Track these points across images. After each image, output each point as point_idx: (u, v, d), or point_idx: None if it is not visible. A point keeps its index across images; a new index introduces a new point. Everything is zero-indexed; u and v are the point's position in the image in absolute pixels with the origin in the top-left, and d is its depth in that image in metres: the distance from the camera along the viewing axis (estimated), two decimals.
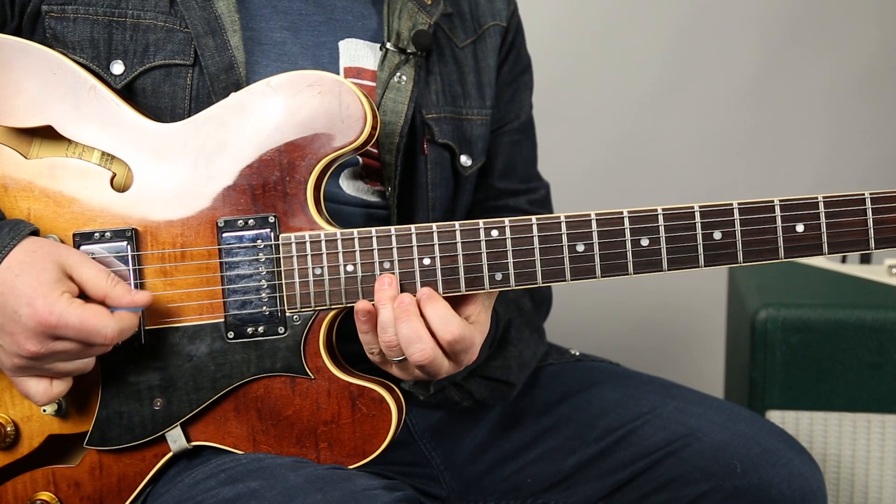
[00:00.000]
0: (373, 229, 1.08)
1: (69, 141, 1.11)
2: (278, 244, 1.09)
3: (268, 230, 1.09)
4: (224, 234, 1.09)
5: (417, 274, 1.08)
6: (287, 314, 1.10)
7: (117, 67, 1.15)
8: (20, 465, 1.12)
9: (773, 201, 1.07)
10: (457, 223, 1.08)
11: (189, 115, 1.13)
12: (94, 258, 1.07)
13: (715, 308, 2.45)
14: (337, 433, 1.10)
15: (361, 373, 1.13)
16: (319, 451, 1.11)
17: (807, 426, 1.66)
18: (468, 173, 1.34)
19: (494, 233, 1.08)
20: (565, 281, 1.08)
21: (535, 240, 1.07)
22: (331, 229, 1.10)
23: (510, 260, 1.08)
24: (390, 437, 1.10)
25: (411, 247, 1.08)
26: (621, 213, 1.07)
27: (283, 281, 1.09)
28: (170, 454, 1.12)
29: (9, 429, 1.11)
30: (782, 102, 2.66)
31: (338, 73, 1.23)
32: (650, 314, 2.71)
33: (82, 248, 1.08)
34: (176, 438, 1.11)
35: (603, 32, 2.61)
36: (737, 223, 1.06)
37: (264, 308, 1.10)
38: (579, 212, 1.07)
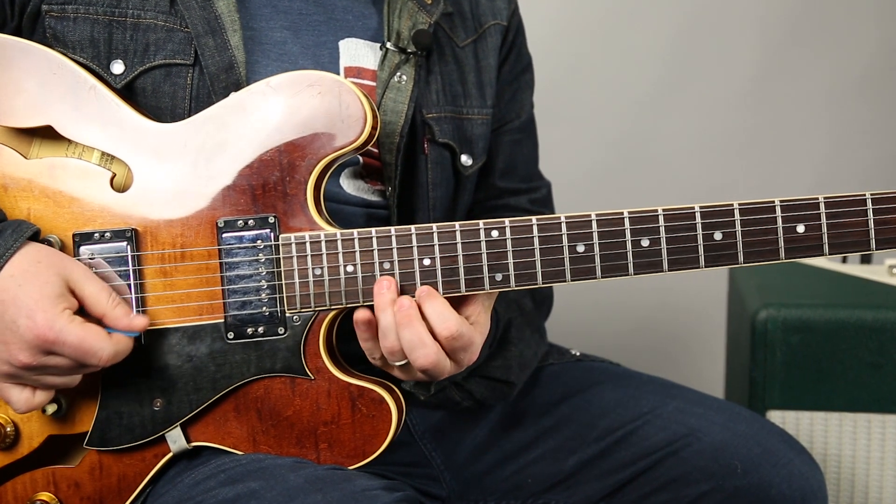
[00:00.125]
0: (373, 230, 1.08)
1: (69, 141, 1.11)
2: (278, 244, 1.09)
3: (268, 230, 1.09)
4: (224, 235, 1.09)
5: (417, 274, 1.08)
6: (287, 314, 1.10)
7: (117, 67, 1.15)
8: (20, 466, 1.12)
9: (773, 202, 1.06)
10: (457, 223, 1.08)
11: (189, 115, 1.13)
12: (94, 261, 1.07)
13: (715, 308, 2.45)
14: (337, 433, 1.10)
15: (361, 373, 1.13)
16: (319, 451, 1.10)
17: (807, 426, 1.66)
18: (469, 173, 1.34)
19: (495, 233, 1.07)
20: (565, 281, 1.08)
21: (536, 240, 1.07)
22: (331, 229, 1.09)
23: (510, 260, 1.08)
24: (390, 438, 1.10)
25: (411, 247, 1.08)
26: (622, 213, 1.07)
27: (283, 281, 1.09)
28: (170, 455, 1.12)
29: (9, 429, 1.11)
30: (783, 102, 2.66)
31: (338, 73, 1.23)
32: (650, 314, 2.71)
33: (82, 248, 1.08)
34: (176, 439, 1.11)
35: (603, 32, 2.61)
36: (737, 224, 1.06)
37: (264, 308, 1.09)
38: (580, 212, 1.07)
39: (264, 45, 1.20)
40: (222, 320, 1.10)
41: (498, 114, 1.40)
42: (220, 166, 1.09)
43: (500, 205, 1.42)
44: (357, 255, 1.08)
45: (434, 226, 1.08)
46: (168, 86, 1.15)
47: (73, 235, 1.09)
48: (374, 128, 1.10)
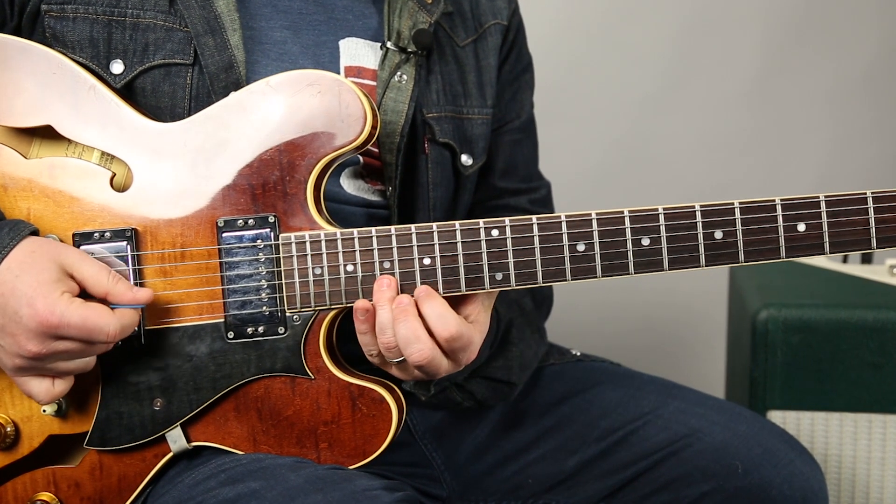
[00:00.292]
0: (373, 229, 1.08)
1: (69, 141, 1.11)
2: (278, 244, 1.09)
3: (268, 230, 1.09)
4: (224, 234, 1.09)
5: (417, 274, 1.08)
6: (287, 314, 1.09)
7: (117, 67, 1.15)
8: (20, 466, 1.12)
9: (774, 201, 1.06)
10: (457, 223, 1.08)
11: (189, 115, 1.13)
12: (93, 257, 1.07)
13: (716, 308, 2.45)
14: (337, 433, 1.10)
15: (361, 373, 1.12)
16: (320, 451, 1.10)
17: (808, 426, 1.66)
18: (469, 173, 1.33)
19: (495, 232, 1.07)
20: (566, 281, 1.08)
21: (536, 239, 1.07)
22: (331, 229, 1.09)
23: (510, 260, 1.07)
24: (391, 438, 1.10)
25: (411, 246, 1.08)
26: (622, 212, 1.07)
27: (283, 281, 1.09)
28: (170, 454, 1.11)
29: (9, 429, 1.11)
30: (784, 102, 2.66)
31: (338, 73, 1.23)
32: (651, 314, 2.71)
33: (82, 248, 1.08)
34: (176, 439, 1.11)
35: (603, 32, 2.61)
36: (738, 222, 1.06)
37: (264, 308, 1.09)
38: (580, 211, 1.07)
39: (264, 44, 1.20)
40: (222, 320, 1.09)
41: (498, 114, 1.40)
42: (219, 166, 1.09)
43: (500, 205, 1.42)
44: (357, 254, 1.08)
45: (434, 225, 1.08)
46: (167, 85, 1.15)
47: (73, 235, 1.09)
48: (374, 127, 1.10)
